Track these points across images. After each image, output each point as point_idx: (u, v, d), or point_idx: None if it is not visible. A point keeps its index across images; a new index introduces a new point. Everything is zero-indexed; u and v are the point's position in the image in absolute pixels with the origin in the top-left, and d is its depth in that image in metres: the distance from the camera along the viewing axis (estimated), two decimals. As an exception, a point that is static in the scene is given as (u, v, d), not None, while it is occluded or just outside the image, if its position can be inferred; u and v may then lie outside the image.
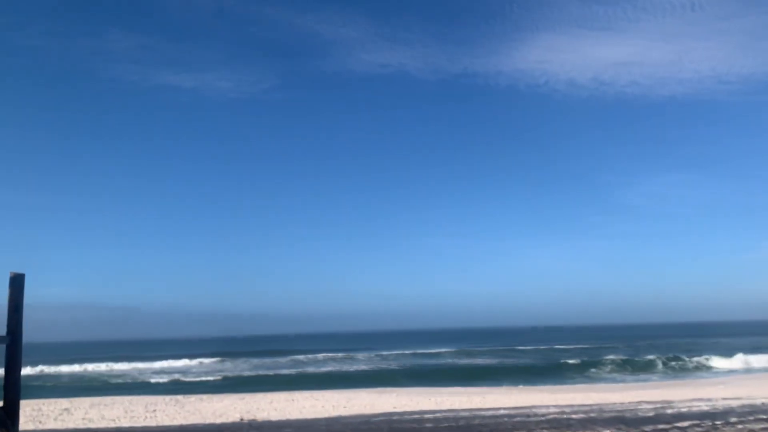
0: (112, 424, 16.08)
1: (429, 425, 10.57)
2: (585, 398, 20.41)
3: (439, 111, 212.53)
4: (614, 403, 16.38)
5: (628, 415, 11.72)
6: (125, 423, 16.40)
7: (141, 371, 47.10)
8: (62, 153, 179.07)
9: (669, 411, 12.38)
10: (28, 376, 43.87)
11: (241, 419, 17.05)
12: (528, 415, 12.38)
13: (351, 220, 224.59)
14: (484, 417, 12.39)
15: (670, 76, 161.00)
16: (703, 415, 11.24)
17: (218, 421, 16.82)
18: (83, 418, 17.30)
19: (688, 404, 14.82)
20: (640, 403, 15.97)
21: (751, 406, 13.16)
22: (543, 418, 11.22)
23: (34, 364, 48.31)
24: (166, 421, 16.48)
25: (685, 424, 10.07)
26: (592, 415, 11.97)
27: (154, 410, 19.10)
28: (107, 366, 49.38)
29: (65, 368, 49.45)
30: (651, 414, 11.73)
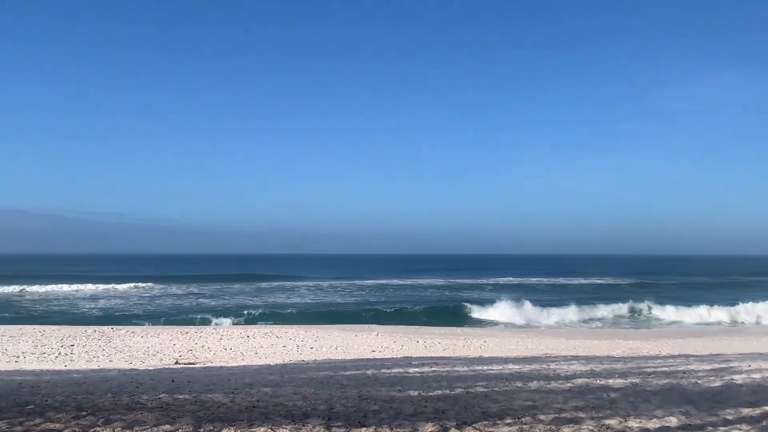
0: (9, 365, 14.24)
1: (414, 392, 8.66)
2: (611, 347, 18.70)
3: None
4: (654, 358, 14.59)
5: (684, 383, 9.88)
6: (28, 363, 14.59)
7: (63, 295, 43.88)
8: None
9: (737, 378, 10.53)
10: None
11: (176, 362, 15.25)
12: (548, 377, 10.54)
13: (329, 121, 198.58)
14: (488, 377, 10.52)
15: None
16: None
17: (147, 362, 15.05)
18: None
19: (750, 363, 13.02)
20: (688, 359, 14.17)
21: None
22: (570, 386, 9.34)
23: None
24: (80, 363, 14.68)
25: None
26: (634, 381, 10.12)
27: (72, 345, 17.27)
28: (19, 288, 45.90)
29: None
30: (717, 384, 9.88)
